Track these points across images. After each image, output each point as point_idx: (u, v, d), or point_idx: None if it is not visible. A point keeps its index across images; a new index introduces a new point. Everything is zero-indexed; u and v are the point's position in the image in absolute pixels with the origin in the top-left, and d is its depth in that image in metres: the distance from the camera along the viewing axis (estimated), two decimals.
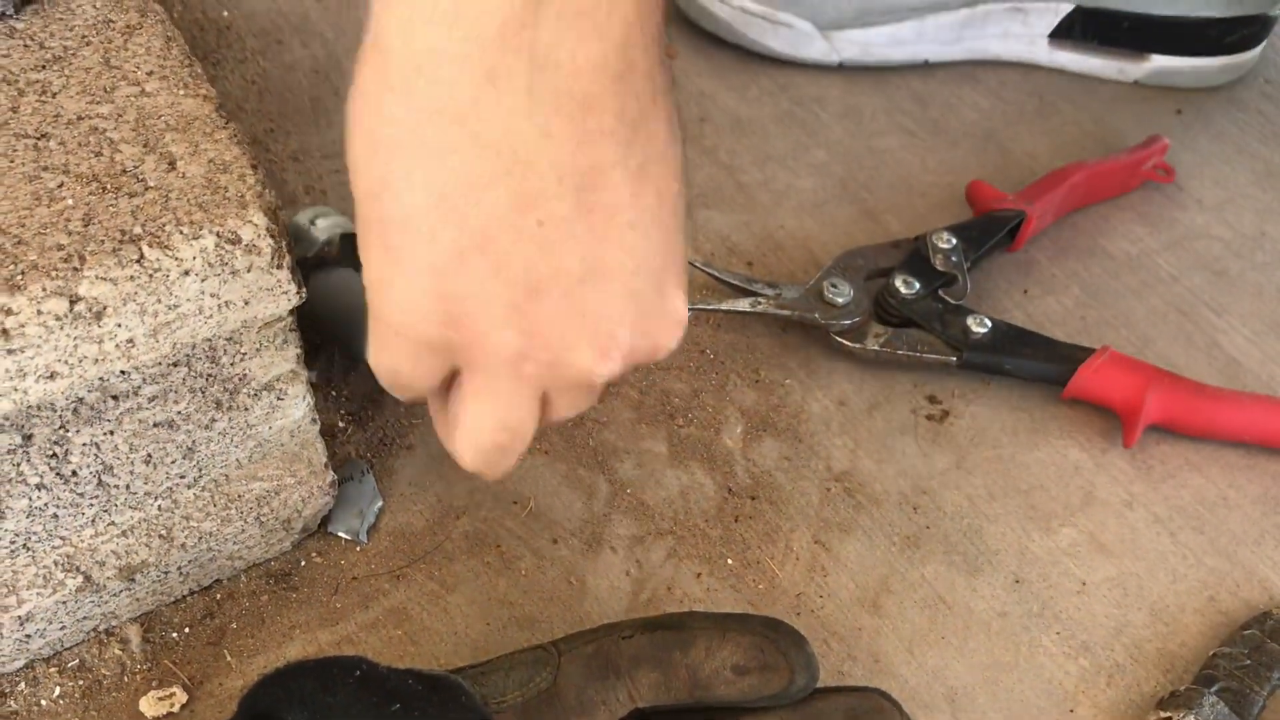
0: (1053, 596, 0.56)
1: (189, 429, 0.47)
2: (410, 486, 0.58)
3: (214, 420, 0.48)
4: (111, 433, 0.45)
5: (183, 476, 0.49)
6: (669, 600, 0.55)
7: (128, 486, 0.48)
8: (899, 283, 0.64)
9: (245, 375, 0.47)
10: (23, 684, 0.50)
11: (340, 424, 0.60)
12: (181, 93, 0.45)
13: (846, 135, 0.77)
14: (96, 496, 0.47)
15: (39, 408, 0.42)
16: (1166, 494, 0.60)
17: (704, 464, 0.60)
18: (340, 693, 0.42)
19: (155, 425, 0.46)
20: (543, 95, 0.33)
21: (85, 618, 0.50)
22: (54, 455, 0.44)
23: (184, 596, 0.53)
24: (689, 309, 0.62)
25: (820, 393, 0.63)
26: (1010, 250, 0.70)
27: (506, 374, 0.37)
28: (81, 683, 0.50)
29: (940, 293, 0.64)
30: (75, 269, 0.39)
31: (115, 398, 0.44)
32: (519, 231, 0.34)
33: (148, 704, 0.50)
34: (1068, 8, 0.79)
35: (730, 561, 0.56)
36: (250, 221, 0.42)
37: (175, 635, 0.52)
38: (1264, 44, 0.82)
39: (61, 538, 0.47)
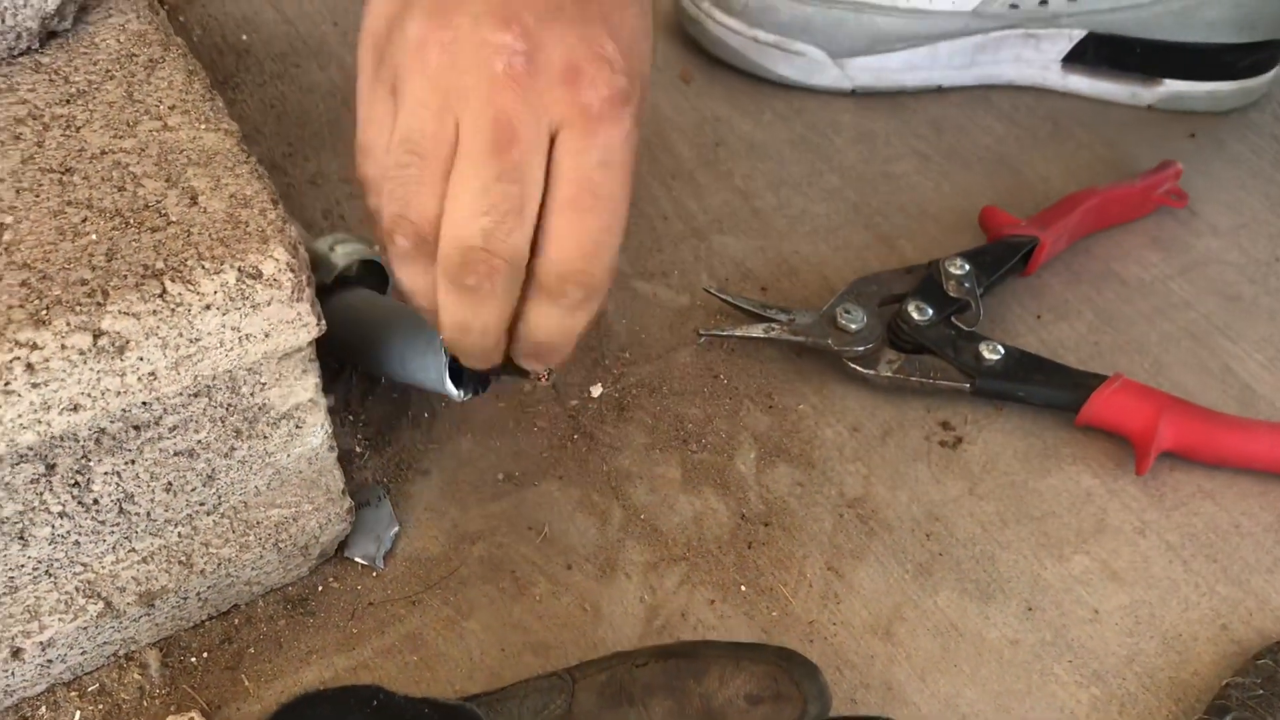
0: (1065, 624, 0.56)
1: (209, 457, 0.48)
2: (426, 512, 0.58)
3: (233, 449, 0.48)
4: (133, 462, 0.46)
5: (202, 503, 0.49)
6: (683, 627, 0.55)
7: (148, 514, 0.48)
8: (912, 309, 0.64)
9: (264, 405, 0.48)
10: (44, 708, 0.51)
11: (357, 448, 0.60)
12: (203, 127, 0.46)
13: (860, 160, 0.77)
14: (117, 524, 0.48)
15: (62, 438, 0.43)
16: (1179, 521, 0.60)
17: (717, 490, 0.60)
18: None
19: (176, 454, 0.47)
20: None
21: (105, 643, 0.51)
22: (76, 484, 0.45)
23: (202, 621, 0.54)
24: (704, 333, 0.63)
25: (833, 419, 0.63)
26: (1023, 275, 0.70)
27: (416, 69, 0.39)
28: (101, 707, 0.51)
29: (953, 319, 0.65)
30: (99, 304, 0.40)
31: (137, 428, 0.45)
32: None
33: None
34: (1080, 33, 0.79)
35: (744, 588, 0.56)
36: (271, 256, 0.42)
37: (194, 660, 0.53)
38: (1278, 68, 0.82)
39: (83, 564, 0.48)
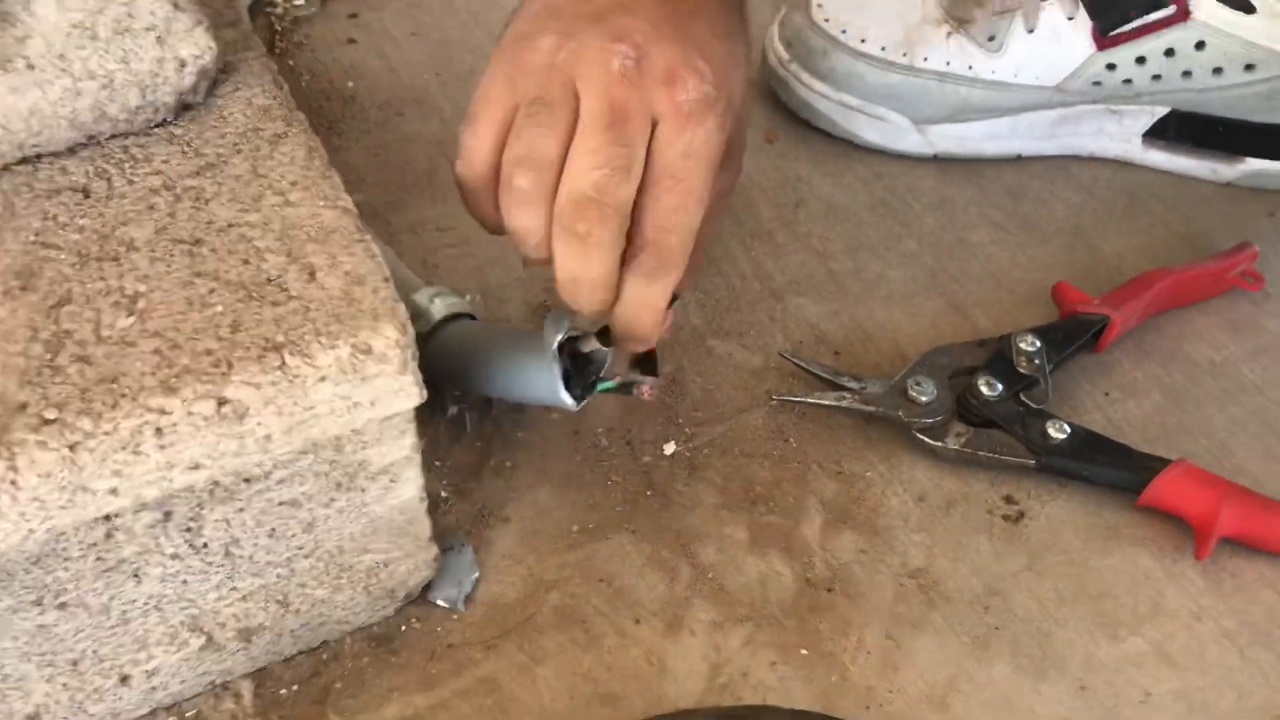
0: (1116, 705, 0.58)
1: (310, 507, 0.51)
2: (505, 559, 0.61)
3: (333, 500, 0.52)
4: (241, 510, 0.49)
5: (301, 548, 0.53)
6: (744, 686, 0.57)
7: (251, 556, 0.52)
8: (982, 384, 0.66)
9: (364, 461, 0.51)
10: None
11: (443, 494, 0.63)
12: (321, 204, 0.49)
13: (938, 226, 0.79)
14: (223, 565, 0.51)
15: (181, 491, 0.46)
16: (1237, 608, 0.61)
17: (783, 553, 0.62)
18: None
19: (280, 504, 0.50)
20: None
21: (204, 673, 0.55)
22: (189, 529, 0.49)
23: (293, 656, 0.57)
24: (777, 397, 0.66)
25: (900, 488, 0.65)
26: (1094, 351, 0.72)
27: (544, 65, 0.50)
28: None
29: (1022, 395, 0.66)
30: (223, 373, 0.44)
31: (248, 480, 0.48)
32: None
33: None
34: (1163, 110, 0.80)
35: (804, 651, 0.59)
36: (381, 334, 0.46)
37: (284, 692, 0.56)
38: None
39: (189, 600, 0.52)
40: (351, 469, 0.51)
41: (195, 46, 0.50)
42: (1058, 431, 0.65)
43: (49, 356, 0.44)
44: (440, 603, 0.59)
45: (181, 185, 0.50)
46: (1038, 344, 0.68)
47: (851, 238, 0.78)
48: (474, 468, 0.65)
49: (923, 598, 0.61)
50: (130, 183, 0.50)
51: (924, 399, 0.66)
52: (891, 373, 0.69)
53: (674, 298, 0.54)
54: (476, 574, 0.60)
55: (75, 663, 0.50)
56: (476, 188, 0.54)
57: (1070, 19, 0.77)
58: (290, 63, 0.85)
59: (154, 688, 0.53)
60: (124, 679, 0.52)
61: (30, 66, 0.47)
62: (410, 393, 0.48)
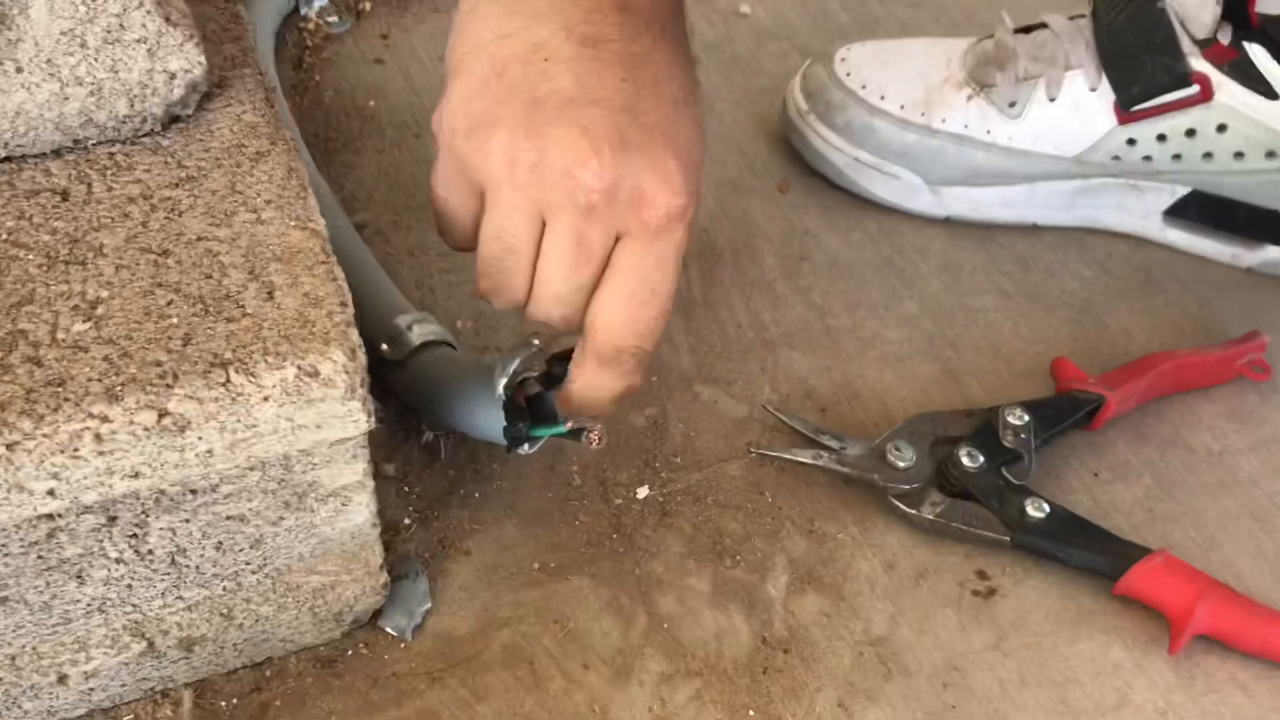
0: None
1: (258, 524, 0.51)
2: (460, 591, 0.61)
3: (282, 518, 0.52)
4: (187, 521, 0.50)
5: (248, 563, 0.53)
6: None
7: (197, 567, 0.52)
8: (964, 455, 0.65)
9: (314, 482, 0.51)
10: None
11: (406, 520, 0.63)
12: (292, 224, 0.50)
13: (942, 289, 0.78)
14: (168, 573, 0.51)
15: (123, 497, 0.47)
16: (1205, 708, 0.60)
17: (744, 609, 0.61)
18: None
19: (228, 518, 0.50)
20: None
21: (144, 678, 0.55)
22: (134, 535, 0.49)
23: (236, 669, 0.57)
24: (754, 450, 0.65)
25: (871, 552, 0.64)
26: (1088, 429, 0.70)
27: (506, 180, 0.49)
28: None
29: (1004, 469, 0.65)
30: (168, 386, 0.44)
31: (194, 492, 0.49)
32: (528, 64, 0.48)
33: None
34: (1184, 190, 0.79)
35: (752, 713, 0.58)
36: (329, 358, 0.46)
37: (223, 704, 0.56)
38: None
39: (133, 605, 0.52)
40: (301, 489, 0.51)
41: (186, 60, 0.51)
42: (1036, 510, 0.63)
43: (1, 355, 0.44)
44: (389, 630, 0.59)
45: (159, 195, 0.50)
46: (1026, 418, 0.66)
47: (853, 295, 0.77)
48: (442, 495, 0.65)
49: (881, 668, 0.60)
50: (109, 189, 0.50)
51: (902, 465, 0.65)
52: (876, 435, 0.68)
53: None
54: (429, 605, 0.60)
55: (13, 658, 0.51)
56: (455, 240, 0.56)
57: (1093, 90, 0.76)
58: (316, 78, 0.86)
59: (92, 689, 0.54)
60: (62, 678, 0.52)
61: (19, 69, 0.48)
62: (358, 419, 0.48)
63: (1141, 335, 0.77)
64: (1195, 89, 0.73)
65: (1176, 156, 0.76)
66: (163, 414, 0.44)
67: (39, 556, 0.47)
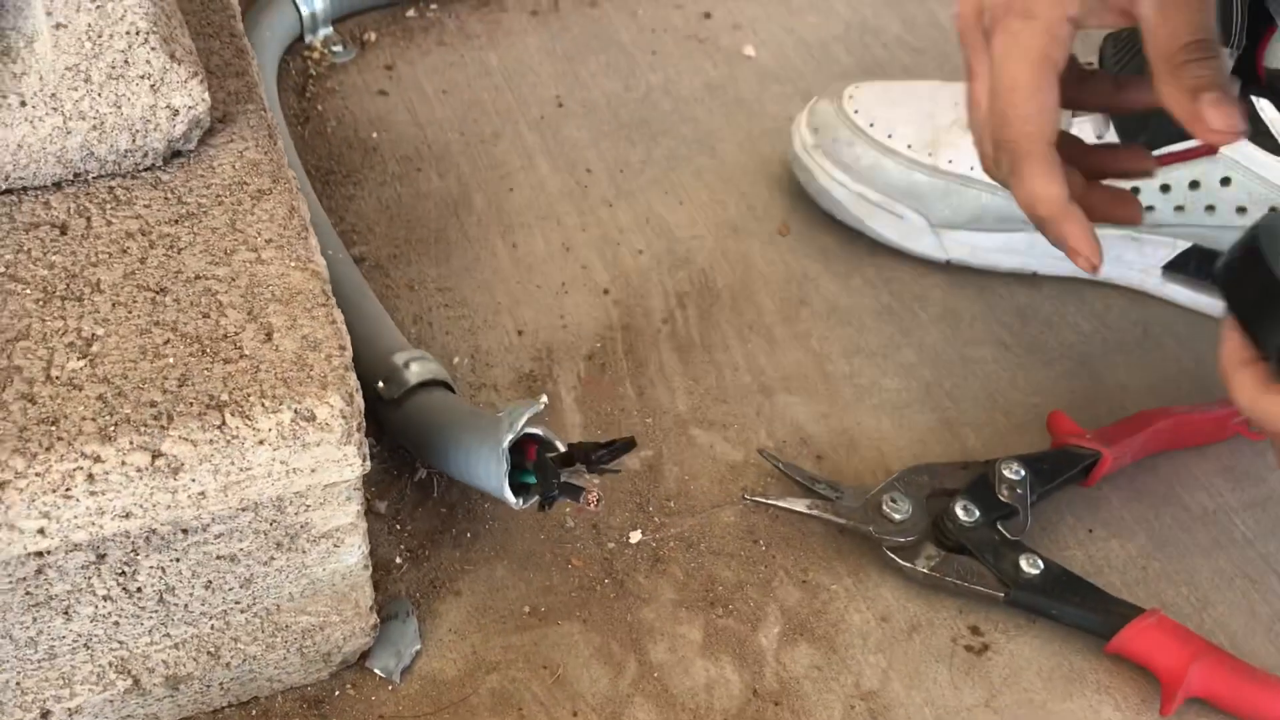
0: None
1: (249, 563, 0.51)
2: (450, 633, 0.60)
3: (273, 559, 0.51)
4: (177, 560, 0.49)
5: (237, 603, 0.52)
6: None
7: (186, 606, 0.51)
8: (959, 509, 0.64)
9: (306, 524, 0.51)
10: None
11: (398, 559, 0.63)
12: (292, 264, 0.50)
13: (941, 339, 0.78)
14: (156, 611, 0.51)
15: (113, 536, 0.46)
16: None
17: (735, 660, 0.61)
18: None
19: (218, 558, 0.50)
20: None
21: (129, 716, 0.54)
22: (123, 573, 0.49)
23: (222, 708, 0.57)
24: (748, 497, 0.65)
25: (864, 604, 0.64)
26: (1084, 485, 0.70)
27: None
28: None
29: (999, 524, 0.65)
30: (162, 427, 0.44)
31: (185, 531, 0.48)
32: None
33: None
34: (1185, 244, 0.79)
35: None
36: (327, 403, 0.45)
37: None
38: None
39: (119, 642, 0.51)
40: (293, 530, 0.51)
41: (189, 97, 0.51)
42: (1030, 566, 0.63)
43: None
44: (378, 671, 0.58)
45: (158, 231, 0.50)
46: (1022, 473, 0.66)
47: (851, 341, 0.77)
48: (434, 535, 0.64)
49: None
50: (109, 224, 0.50)
51: (897, 517, 0.64)
52: (872, 484, 0.67)
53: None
54: (418, 646, 0.59)
55: None
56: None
57: (1099, 138, 0.76)
58: (319, 108, 0.86)
59: None
60: (45, 714, 0.52)
61: (23, 103, 0.48)
62: (353, 464, 0.47)
63: (1138, 390, 0.77)
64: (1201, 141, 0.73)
65: (1179, 208, 0.76)
66: (156, 455, 0.43)
67: (26, 593, 0.47)
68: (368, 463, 0.48)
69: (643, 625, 0.62)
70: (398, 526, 0.64)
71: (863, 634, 0.63)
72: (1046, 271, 0.82)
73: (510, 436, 0.55)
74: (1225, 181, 0.75)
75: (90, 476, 0.43)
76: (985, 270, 0.82)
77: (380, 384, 0.63)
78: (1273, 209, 0.75)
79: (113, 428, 0.43)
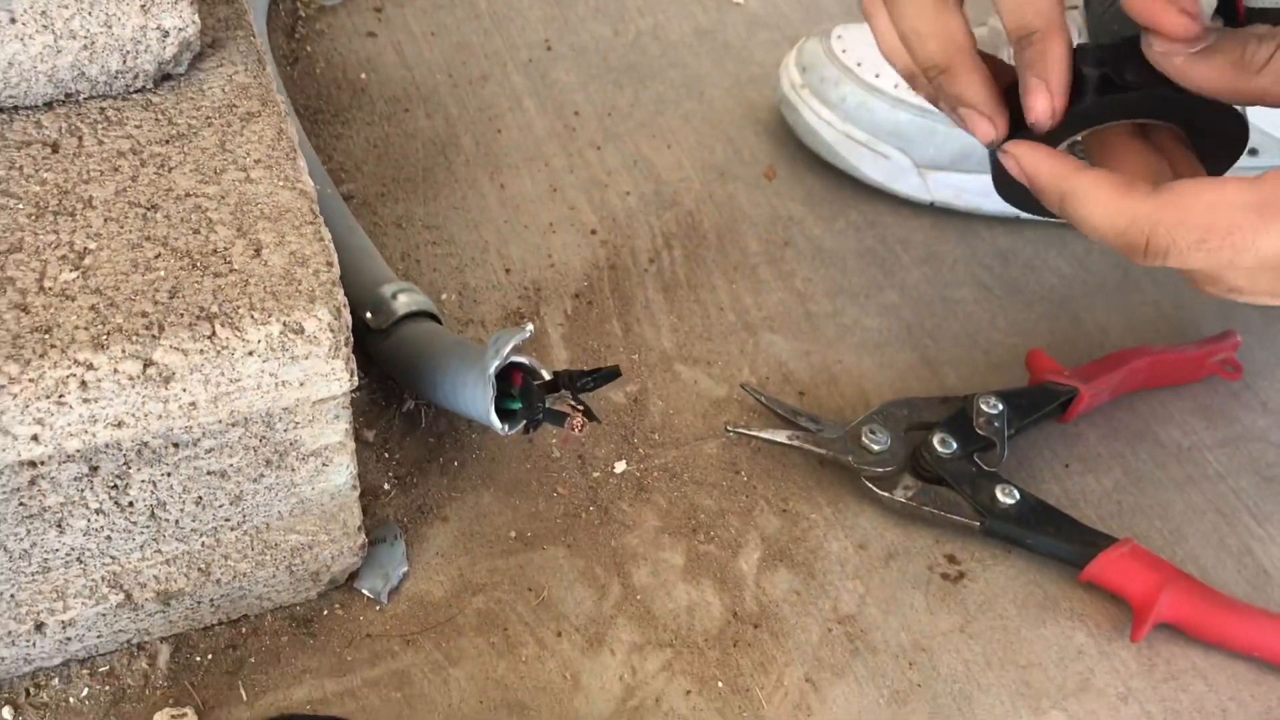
0: None
1: (239, 480, 0.52)
2: (437, 557, 0.62)
3: (262, 475, 0.52)
4: (169, 474, 0.50)
5: (227, 520, 0.54)
6: (654, 712, 0.57)
7: (177, 522, 0.52)
8: (937, 441, 0.66)
9: (295, 441, 0.52)
10: (56, 679, 0.55)
11: (386, 485, 0.64)
12: (280, 184, 0.50)
13: (923, 280, 0.79)
14: (148, 526, 0.52)
15: (106, 447, 0.47)
16: (1165, 695, 0.61)
17: (716, 584, 0.62)
18: None
19: (209, 473, 0.51)
20: None
21: (121, 630, 0.55)
22: (115, 486, 0.49)
23: (213, 625, 0.58)
24: (731, 429, 0.65)
25: (843, 533, 0.65)
26: (1061, 421, 0.71)
27: None
28: (108, 687, 0.55)
29: (976, 456, 0.66)
30: (154, 336, 0.44)
31: (176, 445, 0.49)
32: None
33: (162, 718, 0.54)
34: None
35: (720, 684, 0.59)
36: (315, 316, 0.46)
37: (199, 659, 0.57)
38: None
39: (111, 557, 0.52)
40: (282, 447, 0.52)
41: (179, 19, 0.51)
42: (1006, 496, 0.64)
43: None
44: (365, 592, 0.60)
45: (149, 151, 0.51)
46: (1000, 407, 0.67)
47: (834, 282, 0.78)
48: (422, 463, 0.65)
49: (848, 645, 0.61)
50: (100, 143, 0.51)
51: (876, 448, 0.65)
52: (852, 419, 0.69)
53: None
54: (405, 568, 0.61)
55: None
56: None
57: None
58: (308, 48, 0.86)
59: (69, 639, 0.54)
60: (39, 626, 0.53)
61: (13, 20, 0.48)
62: (340, 378, 0.48)
63: (1117, 332, 0.78)
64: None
65: None
66: (148, 364, 0.44)
67: (20, 504, 0.48)
68: (355, 378, 0.49)
69: (626, 550, 0.63)
70: (386, 455, 0.65)
71: (841, 561, 0.64)
72: (1029, 215, 0.83)
73: (496, 363, 0.56)
74: None
75: (83, 384, 0.44)
76: (968, 213, 0.83)
77: (368, 314, 0.64)
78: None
79: (105, 336, 0.44)
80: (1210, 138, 0.52)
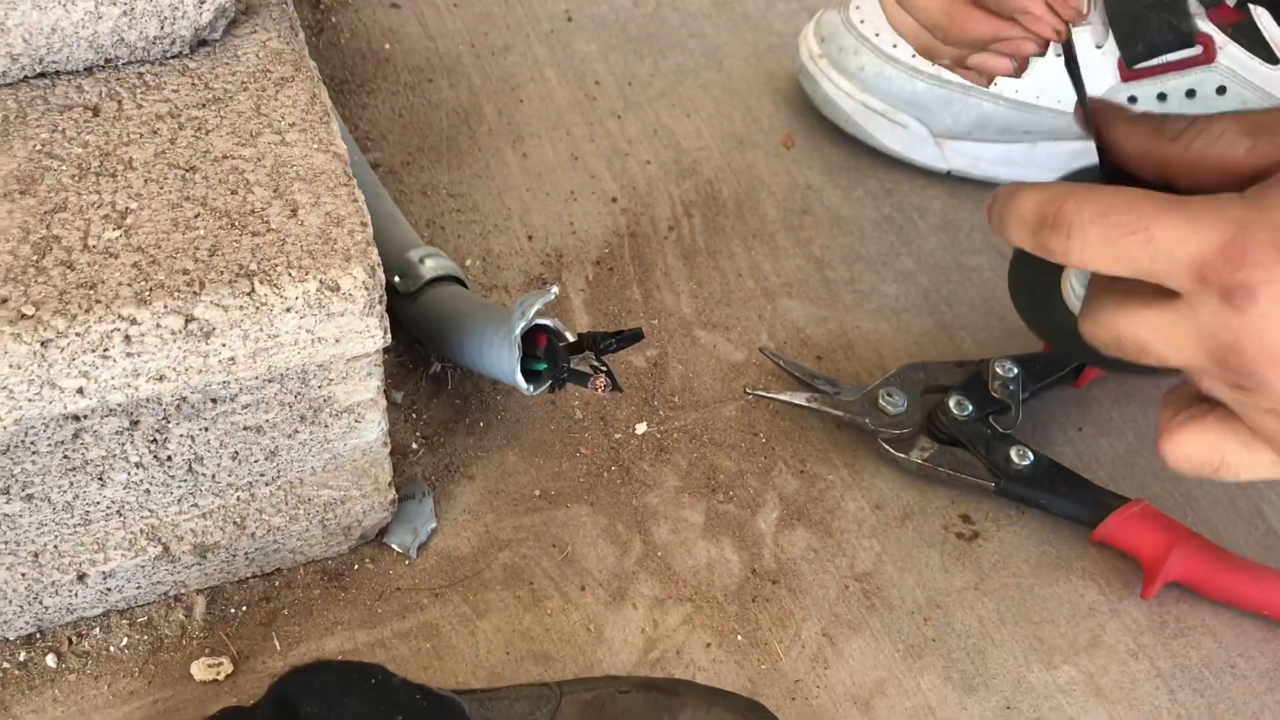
0: None
1: (274, 435, 0.54)
2: (464, 514, 0.63)
3: (296, 431, 0.54)
4: (206, 429, 0.52)
5: (262, 475, 0.55)
6: (676, 663, 0.59)
7: (213, 476, 0.54)
8: (952, 403, 0.67)
9: (329, 398, 0.53)
10: (97, 629, 0.57)
11: (414, 445, 0.65)
12: (315, 147, 0.52)
13: (940, 248, 0.80)
14: (185, 480, 0.54)
15: (147, 401, 0.49)
16: (1175, 651, 0.62)
17: (735, 541, 0.64)
18: (355, 695, 0.48)
19: (245, 428, 0.53)
20: None
21: (159, 582, 0.57)
22: (154, 440, 0.51)
23: (247, 578, 0.59)
24: (750, 391, 0.67)
25: (860, 494, 0.67)
26: (1074, 386, 0.72)
27: None
28: (146, 637, 0.57)
29: (991, 419, 0.67)
30: (195, 293, 0.46)
31: (214, 400, 0.51)
32: None
33: (199, 668, 0.56)
34: None
35: (740, 638, 0.60)
36: (350, 274, 0.48)
37: (234, 611, 0.58)
38: None
39: (150, 510, 0.54)
40: (317, 403, 0.53)
41: None
42: (1020, 458, 0.65)
43: (36, 258, 0.46)
44: (395, 547, 0.61)
45: (186, 115, 0.52)
46: (1015, 371, 0.69)
47: (852, 249, 0.79)
48: (448, 424, 0.67)
49: (864, 601, 0.62)
50: (139, 107, 0.52)
51: (893, 410, 0.67)
52: (868, 382, 0.70)
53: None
54: (434, 524, 0.62)
55: (36, 555, 0.53)
56: None
57: (1099, 47, 0.78)
58: (333, 19, 0.88)
59: (109, 589, 0.56)
60: (81, 577, 0.55)
61: None
62: (374, 335, 0.50)
63: None
64: (1198, 49, 0.75)
65: None
66: (189, 319, 0.46)
67: (64, 456, 0.50)
68: (388, 335, 0.51)
69: (647, 509, 0.65)
70: (414, 415, 0.67)
71: (858, 520, 0.65)
72: None
73: (522, 324, 0.58)
74: (1221, 90, 0.76)
75: (127, 338, 0.45)
76: (985, 181, 0.84)
77: (396, 278, 0.66)
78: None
79: (148, 292, 0.45)
80: None
